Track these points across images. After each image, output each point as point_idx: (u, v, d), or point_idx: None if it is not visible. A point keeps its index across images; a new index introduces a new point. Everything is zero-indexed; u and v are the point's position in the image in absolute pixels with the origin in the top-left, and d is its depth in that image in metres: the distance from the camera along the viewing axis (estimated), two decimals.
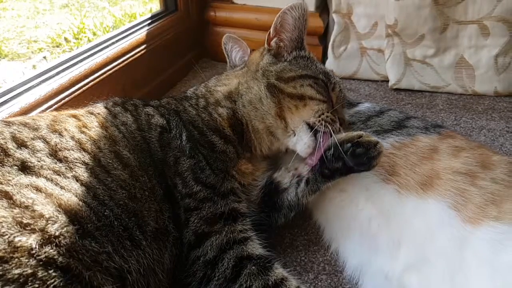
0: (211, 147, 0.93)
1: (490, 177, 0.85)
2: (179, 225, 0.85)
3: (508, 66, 1.62)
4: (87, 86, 1.28)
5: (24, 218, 0.63)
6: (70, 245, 0.64)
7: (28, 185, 0.68)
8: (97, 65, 1.34)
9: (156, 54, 1.65)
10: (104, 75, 1.35)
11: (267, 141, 1.00)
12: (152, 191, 0.83)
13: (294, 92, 0.97)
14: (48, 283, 0.58)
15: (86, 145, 0.81)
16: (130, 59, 1.49)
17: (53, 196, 0.69)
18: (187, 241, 0.83)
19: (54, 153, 0.76)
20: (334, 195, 0.98)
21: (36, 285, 0.57)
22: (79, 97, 1.23)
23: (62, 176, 0.73)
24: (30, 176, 0.70)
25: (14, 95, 1.10)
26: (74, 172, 0.75)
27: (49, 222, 0.64)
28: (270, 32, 1.05)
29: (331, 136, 0.92)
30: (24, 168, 0.71)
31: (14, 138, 0.75)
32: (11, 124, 0.79)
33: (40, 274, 0.59)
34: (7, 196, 0.65)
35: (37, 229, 0.63)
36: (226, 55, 1.22)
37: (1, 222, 0.60)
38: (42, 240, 0.62)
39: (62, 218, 0.66)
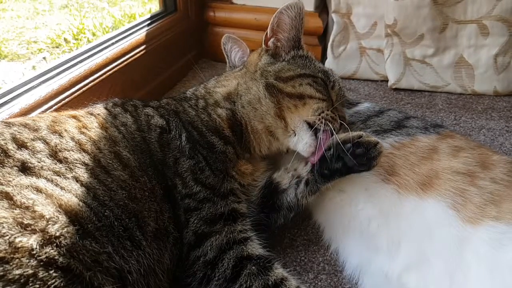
0: (210, 147, 0.93)
1: (490, 177, 0.85)
2: (179, 225, 0.85)
3: (507, 65, 1.62)
4: (87, 87, 1.28)
5: (24, 219, 0.63)
6: (71, 245, 0.64)
7: (28, 185, 0.68)
8: (97, 65, 1.34)
9: (155, 54, 1.65)
10: (104, 76, 1.35)
11: (266, 141, 1.00)
12: (152, 192, 0.83)
13: (293, 92, 0.97)
14: (49, 283, 0.59)
15: (86, 145, 0.81)
16: (130, 59, 1.49)
17: (53, 196, 0.69)
18: (187, 241, 0.84)
19: (54, 154, 0.76)
20: (333, 195, 0.98)
21: (37, 286, 0.58)
22: (79, 98, 1.23)
23: (62, 177, 0.73)
24: (30, 177, 0.70)
25: (14, 96, 1.09)
26: (74, 173, 0.75)
27: (49, 222, 0.65)
28: (267, 33, 1.05)
29: (331, 134, 0.92)
30: (25, 169, 0.71)
31: (15, 139, 0.75)
32: (11, 125, 0.79)
33: (40, 274, 0.59)
34: (8, 196, 0.65)
35: (37, 230, 0.63)
36: (225, 56, 1.22)
37: (2, 223, 0.61)
38: (42, 240, 0.62)
39: (63, 218, 0.66)
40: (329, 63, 1.86)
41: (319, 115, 0.95)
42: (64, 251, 0.63)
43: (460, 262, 0.77)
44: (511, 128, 1.47)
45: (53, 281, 0.59)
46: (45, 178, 0.71)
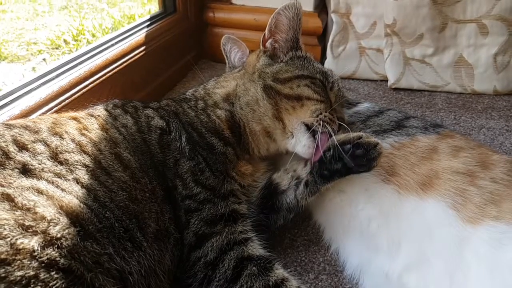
0: (210, 149, 0.93)
1: (490, 177, 0.85)
2: (179, 226, 0.85)
3: (507, 65, 1.62)
4: (87, 88, 1.28)
5: (26, 221, 0.63)
6: (72, 247, 0.64)
7: (29, 187, 0.68)
8: (97, 67, 1.34)
9: (155, 55, 1.65)
10: (104, 77, 1.36)
11: (264, 143, 1.00)
12: (153, 193, 0.83)
13: (291, 93, 0.97)
14: (50, 284, 0.59)
15: (87, 147, 0.81)
16: (130, 60, 1.49)
17: (54, 198, 0.69)
18: (187, 242, 0.84)
19: (54, 156, 0.76)
20: (333, 196, 0.98)
21: (38, 287, 0.58)
22: (79, 99, 1.23)
23: (63, 178, 0.73)
24: (31, 179, 0.70)
25: (15, 98, 1.10)
26: (75, 175, 0.75)
27: (50, 224, 0.65)
28: (265, 34, 1.05)
29: (330, 136, 0.92)
30: (25, 170, 0.71)
31: (15, 141, 0.75)
32: (12, 127, 0.79)
33: (42, 276, 0.59)
34: (9, 198, 0.65)
35: (39, 231, 0.63)
36: (225, 56, 1.23)
37: (3, 225, 0.61)
38: (44, 242, 0.62)
39: (64, 220, 0.67)
40: (329, 63, 1.86)
41: (317, 116, 0.94)
42: (65, 253, 0.63)
43: (460, 262, 0.77)
44: (511, 127, 1.47)
45: (55, 282, 0.59)
46: (46, 180, 0.71)
